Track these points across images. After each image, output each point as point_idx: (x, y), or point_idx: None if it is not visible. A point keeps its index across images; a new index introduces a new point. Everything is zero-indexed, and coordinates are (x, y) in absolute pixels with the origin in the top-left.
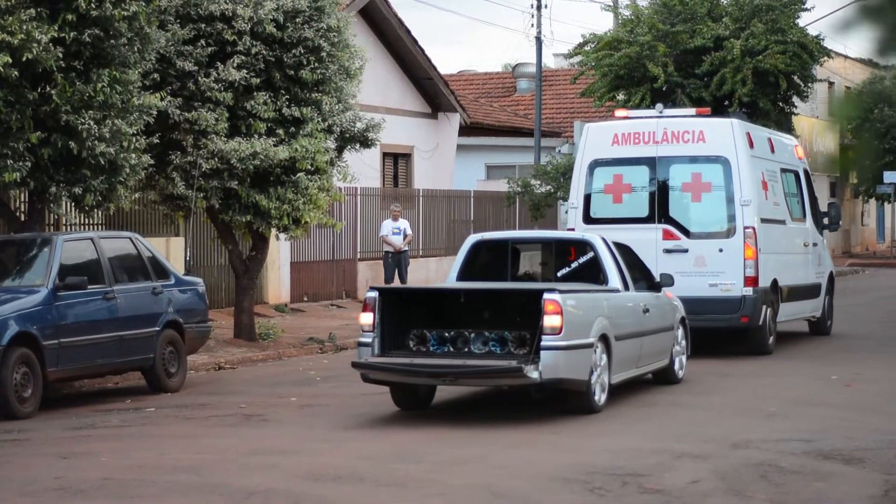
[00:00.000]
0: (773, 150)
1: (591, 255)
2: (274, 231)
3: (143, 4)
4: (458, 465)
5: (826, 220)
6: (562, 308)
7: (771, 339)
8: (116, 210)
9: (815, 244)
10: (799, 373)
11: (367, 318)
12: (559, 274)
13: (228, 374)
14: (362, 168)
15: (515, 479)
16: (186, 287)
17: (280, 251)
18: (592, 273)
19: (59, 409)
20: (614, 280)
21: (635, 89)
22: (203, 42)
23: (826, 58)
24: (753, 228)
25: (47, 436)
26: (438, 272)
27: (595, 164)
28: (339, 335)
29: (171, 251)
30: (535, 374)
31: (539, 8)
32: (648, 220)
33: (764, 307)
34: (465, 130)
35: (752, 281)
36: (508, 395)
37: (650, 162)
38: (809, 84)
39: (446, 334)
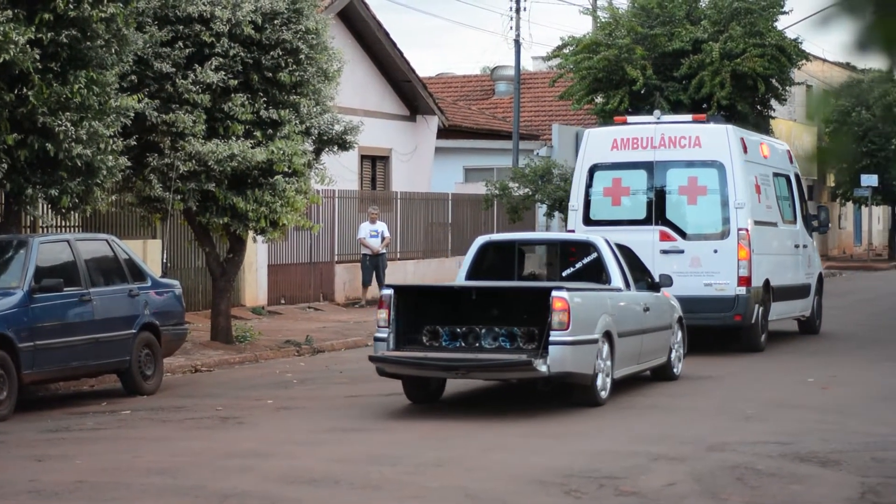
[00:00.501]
0: (765, 155)
1: (594, 255)
2: (251, 233)
3: (121, 6)
4: (435, 467)
5: (816, 223)
6: (569, 305)
7: (763, 337)
8: (93, 212)
9: (805, 246)
10: (779, 374)
11: (382, 315)
12: (564, 274)
13: (205, 377)
14: (340, 170)
15: (492, 481)
16: (163, 289)
17: (257, 254)
18: (595, 273)
19: (34, 412)
20: (617, 280)
21: (613, 92)
22: (181, 44)
23: (804, 61)
24: (747, 230)
25: (22, 438)
26: (416, 275)
27: (595, 168)
28: (316, 338)
29: (148, 253)
30: (543, 368)
31: (518, 11)
32: (646, 222)
33: (756, 306)
34: (444, 133)
35: (745, 281)
36: (488, 397)
37: (648, 166)
38: (787, 87)
39: (458, 330)
